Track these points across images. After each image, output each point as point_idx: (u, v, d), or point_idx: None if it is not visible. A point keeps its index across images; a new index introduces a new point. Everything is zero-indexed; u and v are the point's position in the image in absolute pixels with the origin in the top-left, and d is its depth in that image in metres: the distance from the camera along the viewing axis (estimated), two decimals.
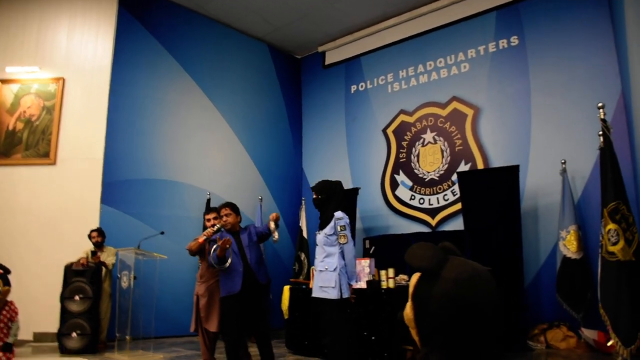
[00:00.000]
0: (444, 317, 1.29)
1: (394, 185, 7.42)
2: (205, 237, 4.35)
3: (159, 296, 6.63)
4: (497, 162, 6.34)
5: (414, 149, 7.30)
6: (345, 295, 3.64)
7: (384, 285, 4.89)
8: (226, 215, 4.34)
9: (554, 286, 5.34)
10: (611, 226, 3.54)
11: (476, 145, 6.61)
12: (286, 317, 5.73)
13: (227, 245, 4.07)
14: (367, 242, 6.56)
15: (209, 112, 7.96)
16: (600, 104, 3.78)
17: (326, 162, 8.46)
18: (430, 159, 7.08)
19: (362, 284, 5.02)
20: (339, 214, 3.79)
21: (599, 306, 3.64)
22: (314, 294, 3.79)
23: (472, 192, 5.71)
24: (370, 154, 7.87)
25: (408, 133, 7.40)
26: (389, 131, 7.65)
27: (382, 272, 4.94)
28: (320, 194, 3.91)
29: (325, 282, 3.68)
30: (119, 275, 6.05)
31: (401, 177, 7.37)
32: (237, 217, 4.43)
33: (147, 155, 7.27)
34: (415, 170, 7.22)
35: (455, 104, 6.93)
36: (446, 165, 6.89)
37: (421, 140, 7.24)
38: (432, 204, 6.96)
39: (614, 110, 5.49)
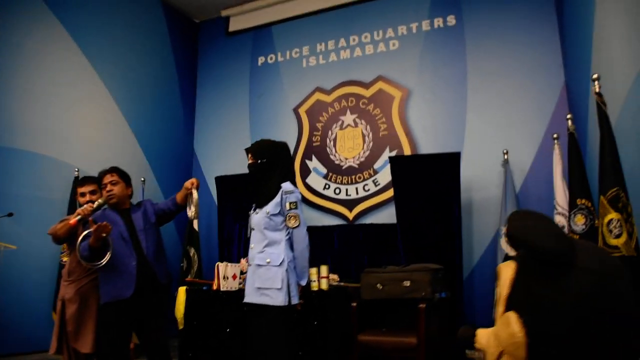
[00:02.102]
0: (581, 333, 0.81)
1: (305, 172, 6.49)
2: (79, 216, 3.01)
3: (0, 299, 5.02)
4: (426, 149, 5.71)
5: (330, 132, 6.43)
6: (294, 300, 2.59)
7: (314, 286, 3.90)
8: (112, 183, 3.07)
9: (488, 289, 4.78)
10: (613, 215, 2.96)
11: (403, 131, 5.93)
12: (181, 327, 4.48)
13: (104, 233, 2.83)
14: None
15: (82, 70, 6.30)
16: (595, 75, 3.19)
17: (224, 143, 7.25)
18: (350, 144, 6.26)
19: None
20: (288, 186, 2.74)
21: None
22: (248, 299, 2.66)
23: (405, 180, 5.00)
24: (278, 135, 6.71)
25: (324, 114, 6.52)
26: (302, 110, 6.71)
27: (312, 270, 3.94)
28: (260, 158, 2.81)
29: (266, 282, 2.56)
30: None
31: (314, 164, 6.46)
32: (127, 189, 3.18)
33: None
34: (332, 156, 6.35)
35: (381, 84, 6.19)
36: (368, 152, 6.12)
37: (339, 123, 6.40)
38: (349, 195, 6.14)
39: (556, 102, 5.13)
